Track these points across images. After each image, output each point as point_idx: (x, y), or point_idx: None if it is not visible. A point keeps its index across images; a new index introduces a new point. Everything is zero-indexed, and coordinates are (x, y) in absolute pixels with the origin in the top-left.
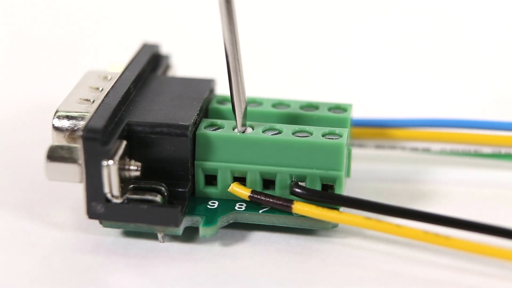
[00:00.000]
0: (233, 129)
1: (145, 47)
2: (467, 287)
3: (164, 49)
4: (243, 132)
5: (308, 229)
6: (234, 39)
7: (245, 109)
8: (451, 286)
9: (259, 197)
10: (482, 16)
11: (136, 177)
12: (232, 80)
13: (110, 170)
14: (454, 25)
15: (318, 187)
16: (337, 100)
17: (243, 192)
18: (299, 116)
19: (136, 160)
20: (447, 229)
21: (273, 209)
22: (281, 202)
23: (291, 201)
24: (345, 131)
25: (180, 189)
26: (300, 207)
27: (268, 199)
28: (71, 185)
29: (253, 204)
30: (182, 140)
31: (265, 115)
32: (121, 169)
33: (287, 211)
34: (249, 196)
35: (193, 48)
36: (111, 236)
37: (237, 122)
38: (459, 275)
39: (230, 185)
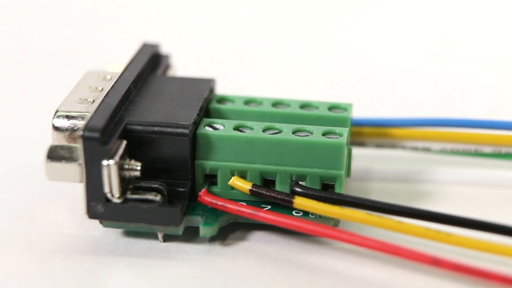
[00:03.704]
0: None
1: (145, 47)
2: (468, 284)
3: (164, 49)
4: None
5: None
6: None
7: None
8: (452, 284)
9: (260, 190)
10: (482, 15)
11: (136, 177)
12: None
13: (110, 169)
14: (454, 25)
15: (318, 187)
16: (337, 99)
17: (244, 185)
18: (299, 115)
19: (136, 160)
20: (447, 227)
21: (274, 208)
22: (282, 197)
23: (293, 196)
24: (345, 131)
25: (180, 189)
26: (301, 202)
27: (269, 193)
28: (71, 185)
29: (254, 197)
30: (182, 140)
31: (265, 114)
32: (121, 168)
33: (288, 205)
34: (250, 190)
35: (193, 48)
36: (111, 236)
37: None
38: (461, 275)
39: (230, 185)
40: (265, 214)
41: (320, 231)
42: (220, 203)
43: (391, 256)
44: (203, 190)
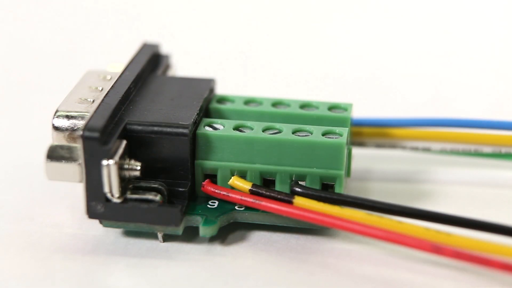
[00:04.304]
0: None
1: (145, 47)
2: (468, 285)
3: (164, 49)
4: None
5: (308, 229)
6: None
7: None
8: (452, 284)
9: (260, 190)
10: (482, 15)
11: (136, 177)
12: None
13: (110, 169)
14: (454, 25)
15: (318, 187)
16: (337, 99)
17: (243, 185)
18: (299, 115)
19: (136, 159)
20: (448, 227)
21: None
22: (282, 197)
23: (292, 196)
24: (345, 130)
25: (180, 189)
26: (301, 202)
27: (269, 193)
28: (71, 185)
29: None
30: (182, 140)
31: (265, 114)
32: (121, 168)
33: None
34: (250, 190)
35: (193, 48)
36: (111, 236)
37: None
38: (460, 274)
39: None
40: (267, 203)
41: (322, 220)
42: (223, 192)
43: (391, 244)
44: (206, 180)
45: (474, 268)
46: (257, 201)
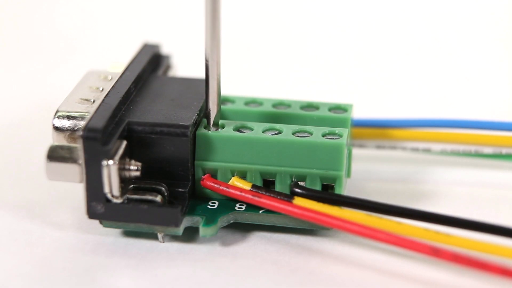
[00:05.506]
0: (204, 127)
1: (146, 47)
2: (467, 286)
3: (165, 49)
4: (216, 130)
5: (308, 229)
6: (216, 44)
7: (219, 109)
8: (451, 285)
9: (259, 191)
10: (482, 16)
11: (136, 177)
12: (210, 83)
13: (110, 170)
14: (454, 25)
15: (318, 187)
16: (337, 100)
17: (243, 186)
18: (299, 116)
19: (136, 160)
20: (447, 228)
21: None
22: (281, 197)
23: (292, 197)
24: (345, 131)
25: (180, 189)
26: (301, 203)
27: (269, 194)
28: (71, 185)
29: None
30: (182, 140)
31: (265, 115)
32: (121, 169)
33: None
34: (250, 191)
35: (194, 48)
36: (111, 236)
37: (211, 121)
38: (459, 275)
39: None
40: (266, 200)
41: (320, 219)
42: (222, 187)
43: (390, 246)
44: (206, 174)
45: (472, 272)
46: (257, 198)
